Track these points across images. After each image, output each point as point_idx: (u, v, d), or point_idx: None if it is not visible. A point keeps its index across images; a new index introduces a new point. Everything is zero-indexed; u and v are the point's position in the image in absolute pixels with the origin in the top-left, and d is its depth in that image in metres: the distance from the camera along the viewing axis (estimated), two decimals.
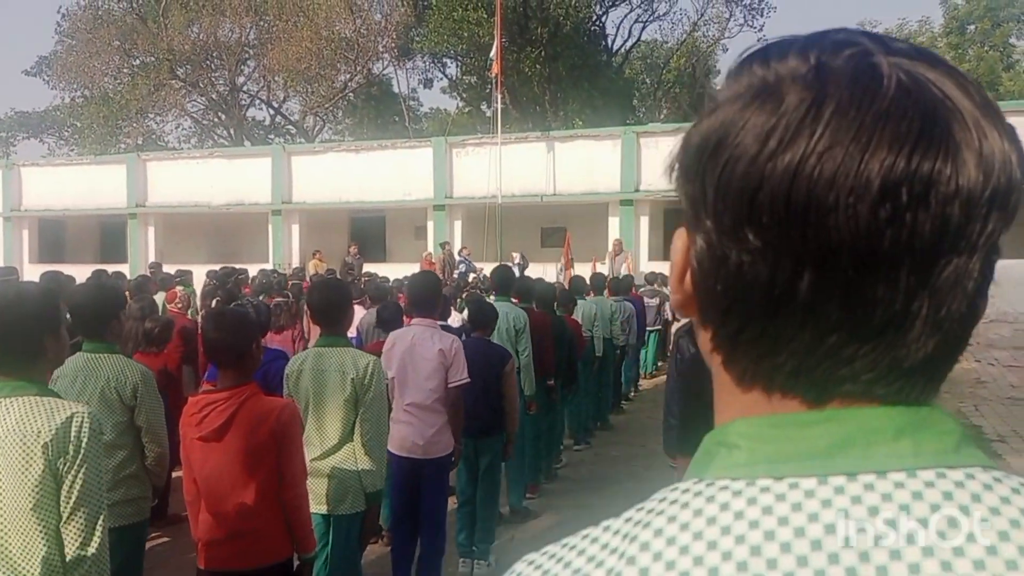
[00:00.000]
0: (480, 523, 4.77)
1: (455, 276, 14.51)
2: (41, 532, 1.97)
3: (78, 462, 2.00)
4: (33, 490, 1.96)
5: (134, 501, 3.27)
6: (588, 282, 8.96)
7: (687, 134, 0.53)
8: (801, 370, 0.48)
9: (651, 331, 11.10)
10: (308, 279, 11.44)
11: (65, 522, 1.99)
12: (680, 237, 0.54)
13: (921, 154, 0.45)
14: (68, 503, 1.99)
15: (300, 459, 2.84)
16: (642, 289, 11.64)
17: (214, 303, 6.93)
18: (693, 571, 0.45)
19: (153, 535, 5.06)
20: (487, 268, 7.00)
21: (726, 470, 0.49)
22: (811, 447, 0.47)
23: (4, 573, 1.97)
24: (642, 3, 29.59)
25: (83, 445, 2.01)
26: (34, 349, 2.04)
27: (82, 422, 2.01)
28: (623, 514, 0.52)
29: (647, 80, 35.91)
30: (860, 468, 0.46)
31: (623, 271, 14.23)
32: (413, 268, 14.40)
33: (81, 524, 2.00)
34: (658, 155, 17.88)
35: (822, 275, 0.46)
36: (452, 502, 4.93)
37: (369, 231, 21.50)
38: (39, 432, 1.96)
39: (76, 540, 1.99)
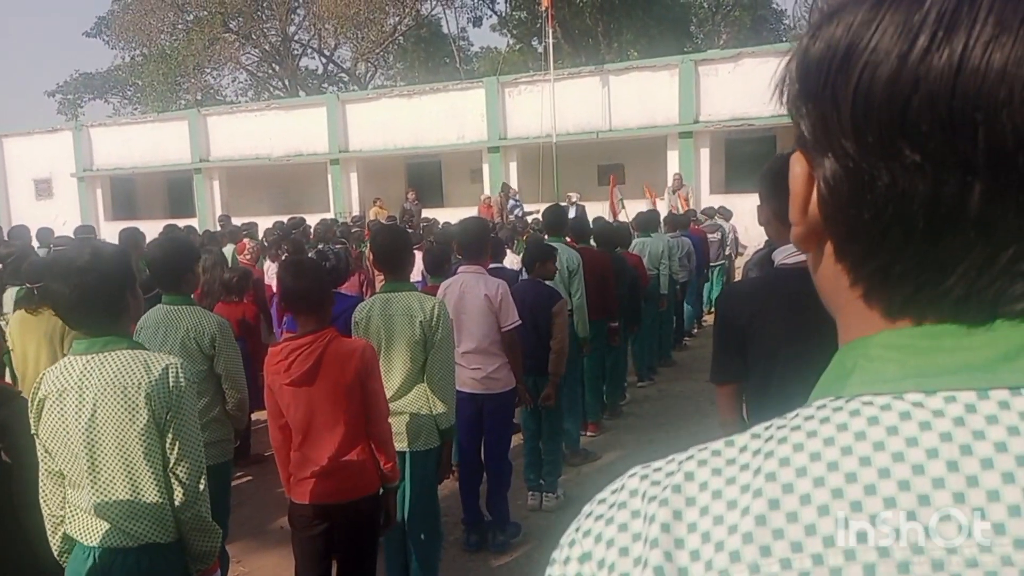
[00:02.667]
0: (546, 456, 4.88)
1: (511, 218, 14.48)
2: (152, 478, 2.11)
3: (179, 410, 2.12)
4: (140, 438, 2.08)
5: (218, 443, 3.45)
6: (646, 219, 8.84)
7: (801, 48, 0.48)
8: (971, 293, 0.43)
9: (714, 266, 10.93)
10: (367, 226, 11.60)
11: (173, 466, 2.13)
12: (799, 162, 0.49)
13: None
14: (174, 449, 2.12)
15: (382, 395, 2.97)
16: (703, 223, 11.42)
17: (283, 252, 7.12)
18: (847, 488, 0.42)
19: (238, 474, 5.36)
20: (542, 209, 6.97)
21: (868, 385, 0.45)
22: (970, 358, 0.43)
23: (119, 517, 2.12)
24: None
25: (183, 394, 2.12)
26: (117, 306, 2.13)
27: (178, 373, 2.12)
28: (747, 431, 0.48)
29: (704, 5, 34.41)
30: None
31: (680, 206, 13.96)
32: (471, 212, 14.43)
33: (188, 468, 2.14)
34: (718, 84, 17.26)
35: (996, 182, 0.41)
36: (519, 439, 5.06)
37: (425, 176, 21.55)
38: (139, 384, 2.07)
39: (185, 483, 2.13)
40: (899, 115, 0.42)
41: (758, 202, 2.27)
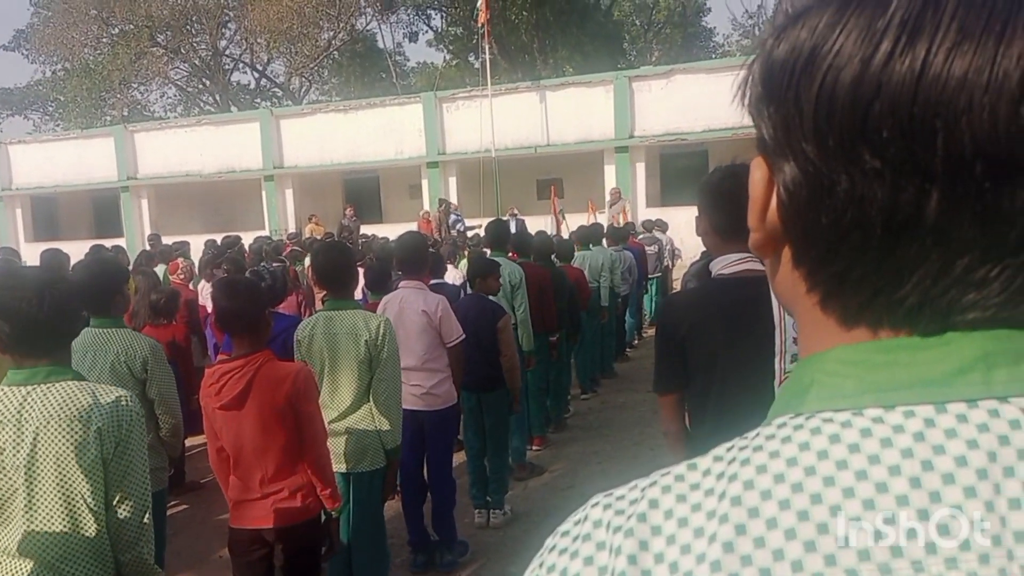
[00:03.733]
0: (492, 474, 4.85)
1: (453, 233, 14.46)
2: (93, 516, 2.00)
3: (128, 444, 2.02)
4: (86, 474, 1.97)
5: (153, 472, 3.26)
6: (588, 232, 8.94)
7: (765, 51, 0.47)
8: (925, 301, 0.43)
9: (652, 278, 11.12)
10: (303, 244, 11.41)
11: (118, 503, 2.02)
12: (759, 167, 0.49)
13: None
14: (122, 485, 2.02)
15: (319, 420, 2.89)
16: (641, 236, 11.62)
17: (222, 272, 6.92)
18: (812, 510, 0.41)
19: (172, 503, 5.16)
20: (484, 223, 7.02)
21: (827, 401, 0.44)
22: (926, 373, 0.43)
23: (54, 558, 2.00)
24: None
25: (134, 428, 2.03)
26: (56, 332, 2.04)
27: (128, 404, 2.03)
28: (708, 453, 0.47)
29: (637, 22, 35.27)
30: (982, 394, 0.42)
31: (620, 220, 14.18)
32: (410, 227, 14.34)
33: (133, 505, 2.03)
34: (651, 99, 17.66)
35: (953, 190, 0.41)
36: (463, 456, 5.02)
37: (363, 192, 21.36)
38: (89, 417, 1.97)
39: (129, 520, 2.03)
40: (860, 120, 0.42)
41: (696, 214, 2.32)
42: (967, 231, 0.41)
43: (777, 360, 1.88)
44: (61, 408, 1.97)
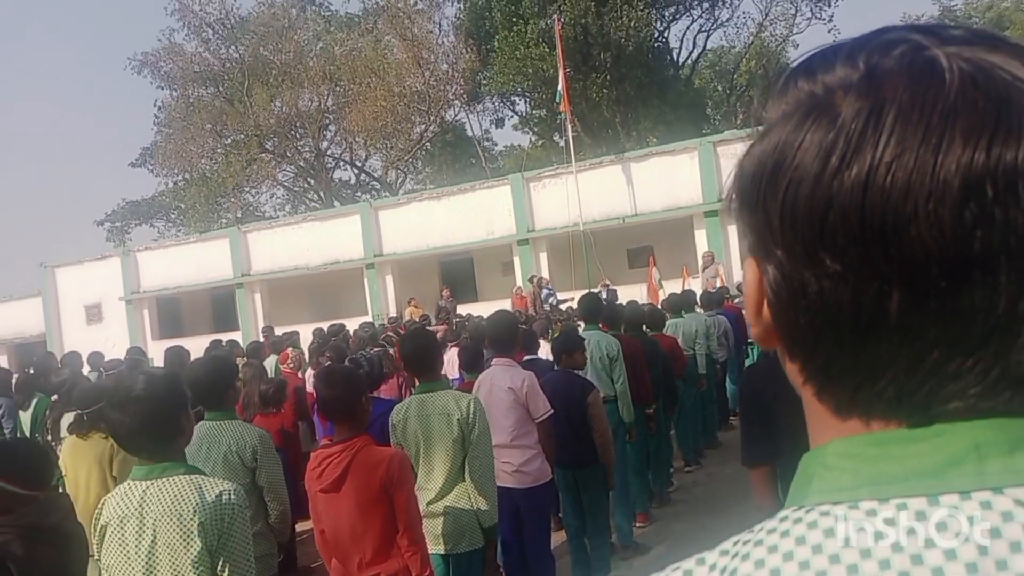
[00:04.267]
0: (593, 553, 4.76)
1: (546, 307, 14.58)
2: None
3: (230, 535, 2.16)
4: (194, 566, 2.12)
5: (262, 558, 3.45)
6: (680, 299, 8.85)
7: (740, 163, 0.52)
8: (903, 395, 0.45)
9: (752, 342, 10.79)
10: (404, 326, 11.78)
11: None
12: (750, 268, 0.51)
13: (1001, 144, 0.41)
14: (226, 572, 2.15)
15: (413, 503, 2.96)
16: (737, 299, 11.36)
17: (325, 360, 7.25)
18: None
19: None
20: (576, 296, 7.08)
21: (826, 494, 0.46)
22: (918, 465, 0.44)
23: None
24: (703, 13, 29.32)
25: (236, 520, 2.17)
26: (173, 429, 2.21)
27: (231, 498, 2.17)
28: (718, 546, 0.49)
29: (719, 87, 35.34)
30: (975, 486, 0.42)
31: (717, 283, 13.94)
32: (504, 304, 14.57)
33: None
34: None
35: (911, 291, 0.43)
36: (562, 535, 4.95)
37: (458, 273, 21.93)
38: (194, 511, 2.12)
39: None
40: (819, 228, 0.44)
41: None
42: (931, 328, 0.43)
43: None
44: (172, 503, 2.12)
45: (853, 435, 0.47)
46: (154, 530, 2.11)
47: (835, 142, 0.44)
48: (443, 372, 4.24)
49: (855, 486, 0.45)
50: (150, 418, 2.14)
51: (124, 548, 2.13)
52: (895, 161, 0.42)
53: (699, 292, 10.75)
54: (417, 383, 3.82)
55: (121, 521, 2.14)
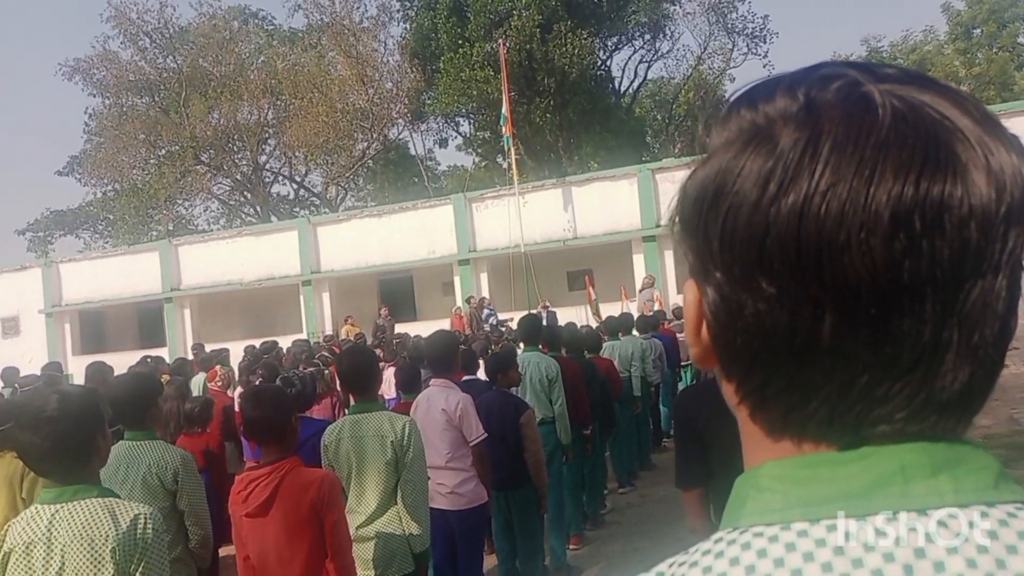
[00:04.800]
0: None
1: (486, 328, 14.56)
2: None
3: (148, 564, 2.05)
4: None
5: None
6: (617, 322, 8.95)
7: (683, 187, 0.52)
8: (834, 416, 0.46)
9: (686, 365, 10.99)
10: (339, 344, 11.59)
11: None
12: (691, 289, 0.52)
13: (929, 179, 0.43)
14: None
15: (344, 528, 2.88)
16: (673, 323, 11.57)
17: (256, 378, 7.05)
18: None
19: None
20: (516, 317, 7.11)
21: (759, 515, 0.47)
22: (847, 487, 0.45)
23: None
24: (645, 44, 30.10)
25: (149, 546, 2.06)
26: (88, 451, 2.09)
27: (146, 523, 2.06)
28: (654, 568, 0.50)
29: (658, 117, 36.24)
30: (900, 507, 0.44)
31: (655, 307, 14.17)
32: (443, 324, 14.49)
33: None
34: (675, 189, 17.78)
35: (843, 316, 0.44)
36: (493, 560, 4.90)
37: (398, 292, 21.75)
38: (106, 536, 2.01)
39: None
40: (757, 253, 0.46)
41: None
42: (863, 352, 0.45)
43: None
44: (83, 528, 2.02)
45: (785, 457, 0.48)
46: (62, 557, 2.00)
47: (773, 170, 0.45)
48: (380, 392, 4.16)
49: (786, 507, 0.46)
50: (63, 439, 2.02)
51: (32, 573, 2.00)
52: (830, 191, 0.44)
53: (635, 315, 10.90)
54: (352, 402, 3.74)
55: (27, 547, 2.02)
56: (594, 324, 11.98)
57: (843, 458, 0.46)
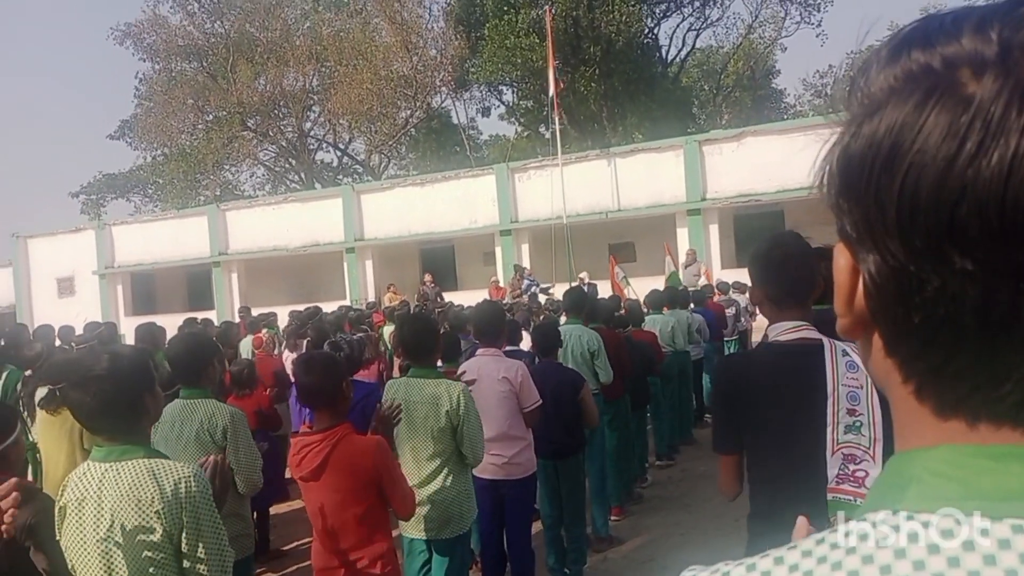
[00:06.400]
0: (570, 544, 4.76)
1: (525, 298, 14.56)
2: None
3: (196, 520, 2.10)
4: (154, 552, 2.07)
5: (236, 539, 3.39)
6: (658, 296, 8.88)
7: (842, 143, 0.47)
8: None
9: (729, 340, 10.88)
10: (382, 311, 11.73)
11: (195, 573, 2.10)
12: (843, 254, 0.48)
13: None
14: (195, 553, 2.09)
15: (403, 483, 2.96)
16: (719, 298, 11.44)
17: (305, 344, 7.17)
18: None
19: (259, 571, 5.25)
20: (558, 289, 7.08)
21: (929, 502, 0.43)
22: None
23: None
24: (694, 12, 29.38)
25: (197, 505, 2.10)
26: (136, 410, 2.13)
27: (189, 485, 2.10)
28: (798, 545, 0.45)
29: (706, 87, 35.50)
30: None
31: (702, 281, 13.98)
32: (484, 294, 14.54)
33: (210, 571, 2.11)
34: (723, 162, 17.62)
35: None
36: (540, 526, 4.95)
37: (439, 261, 21.85)
38: (152, 499, 2.06)
39: None
40: (947, 221, 0.40)
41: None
42: None
43: (829, 431, 1.86)
44: (130, 489, 2.07)
45: (967, 443, 0.44)
46: (112, 515, 2.06)
47: (970, 126, 0.40)
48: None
49: (965, 497, 0.42)
50: (112, 398, 2.05)
51: (82, 530, 2.07)
52: None
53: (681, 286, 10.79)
54: (402, 367, 3.79)
55: (79, 503, 2.09)
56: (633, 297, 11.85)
57: None
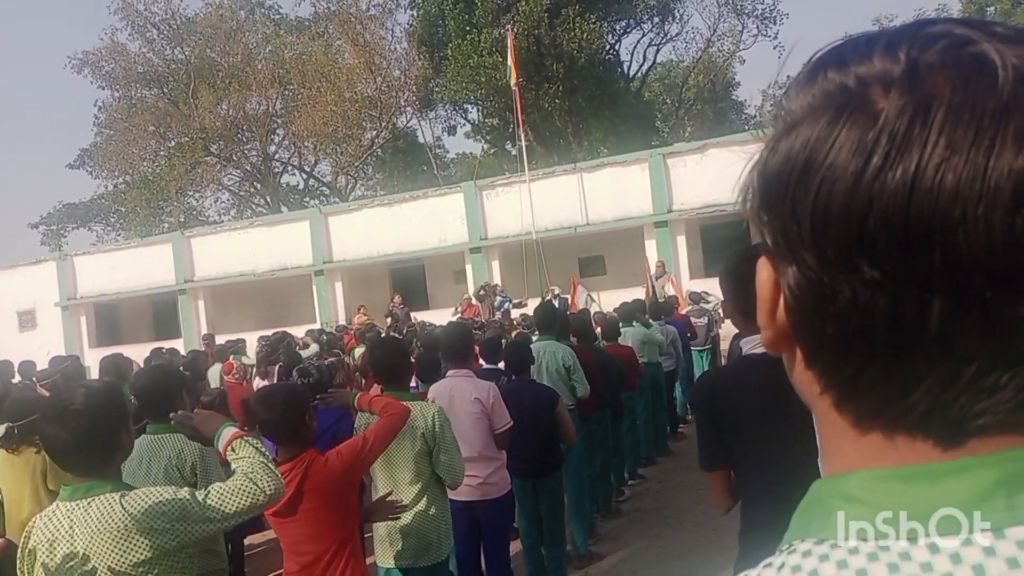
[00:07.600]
0: (550, 564, 4.73)
1: (497, 315, 14.53)
2: None
3: (181, 536, 2.08)
4: (134, 569, 2.03)
5: (211, 575, 3.33)
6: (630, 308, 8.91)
7: (761, 159, 0.48)
8: (935, 408, 0.43)
9: (701, 350, 10.95)
10: (352, 333, 11.64)
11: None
12: (765, 267, 0.48)
13: None
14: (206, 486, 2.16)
15: (372, 430, 3.03)
16: (687, 309, 11.52)
17: (277, 369, 7.07)
18: None
19: None
20: (532, 305, 7.08)
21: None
22: (948, 502, 0.42)
23: None
24: (653, 27, 29.86)
25: (178, 521, 2.07)
26: (111, 446, 2.09)
27: (159, 505, 2.07)
28: None
29: (668, 101, 35.99)
30: (1007, 522, 0.41)
31: (669, 291, 14.06)
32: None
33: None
34: (687, 174, 17.85)
35: (954, 300, 0.41)
36: (518, 545, 4.91)
37: (409, 280, 21.77)
38: (125, 525, 2.01)
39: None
40: (856, 232, 0.42)
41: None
42: (973, 340, 0.41)
43: (819, 437, 1.86)
44: (100, 521, 2.02)
45: (879, 466, 0.45)
46: (86, 549, 2.01)
47: (877, 140, 0.41)
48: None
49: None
50: (88, 433, 2.01)
51: (56, 572, 2.01)
52: (944, 163, 0.40)
53: (659, 299, 10.85)
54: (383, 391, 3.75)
55: (51, 544, 2.03)
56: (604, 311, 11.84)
57: (944, 469, 0.43)
